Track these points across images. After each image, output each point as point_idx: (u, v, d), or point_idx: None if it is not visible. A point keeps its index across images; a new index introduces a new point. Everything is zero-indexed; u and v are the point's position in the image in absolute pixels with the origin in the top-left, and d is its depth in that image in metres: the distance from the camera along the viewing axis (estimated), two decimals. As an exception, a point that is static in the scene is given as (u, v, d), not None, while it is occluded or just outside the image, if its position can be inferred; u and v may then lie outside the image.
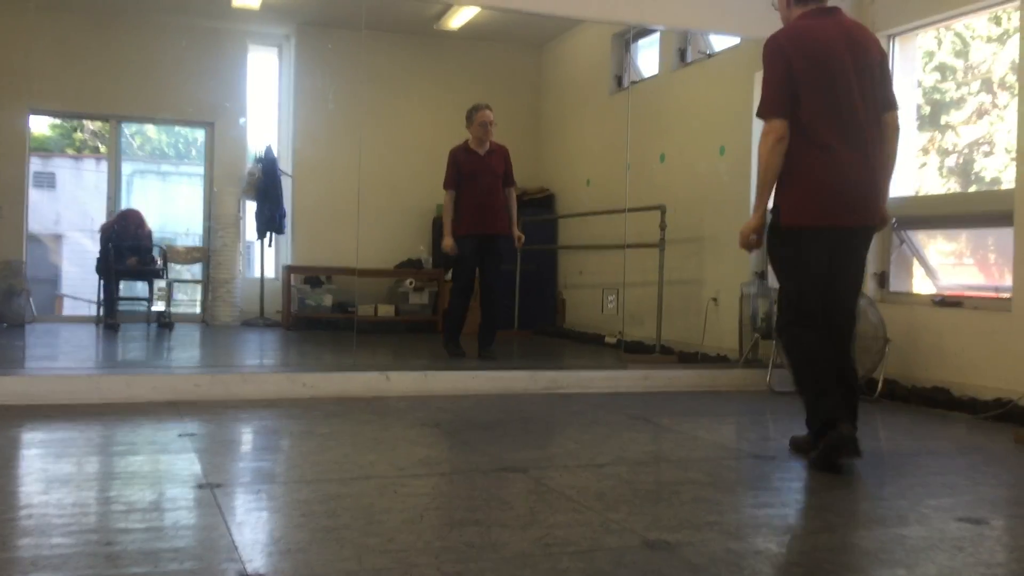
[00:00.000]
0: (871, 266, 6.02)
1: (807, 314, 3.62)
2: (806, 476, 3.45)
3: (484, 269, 6.59)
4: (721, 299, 7.03)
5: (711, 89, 7.38)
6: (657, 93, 8.16)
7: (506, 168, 6.59)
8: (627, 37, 8.59)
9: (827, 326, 3.65)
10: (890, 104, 3.77)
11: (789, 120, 3.53)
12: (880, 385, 5.47)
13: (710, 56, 7.55)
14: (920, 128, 6.27)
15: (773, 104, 3.56)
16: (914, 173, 6.19)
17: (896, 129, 3.78)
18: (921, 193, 6.11)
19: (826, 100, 3.56)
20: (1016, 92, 5.16)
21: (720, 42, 7.43)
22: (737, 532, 2.62)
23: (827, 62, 3.57)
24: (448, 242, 6.49)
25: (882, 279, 6.03)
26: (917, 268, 6.05)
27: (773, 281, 6.69)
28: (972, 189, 6.04)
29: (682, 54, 7.89)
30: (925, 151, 6.38)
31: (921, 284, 6.04)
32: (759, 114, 3.62)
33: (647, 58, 8.67)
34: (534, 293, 9.14)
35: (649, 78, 8.45)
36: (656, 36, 8.24)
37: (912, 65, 6.10)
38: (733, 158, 6.95)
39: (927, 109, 6.41)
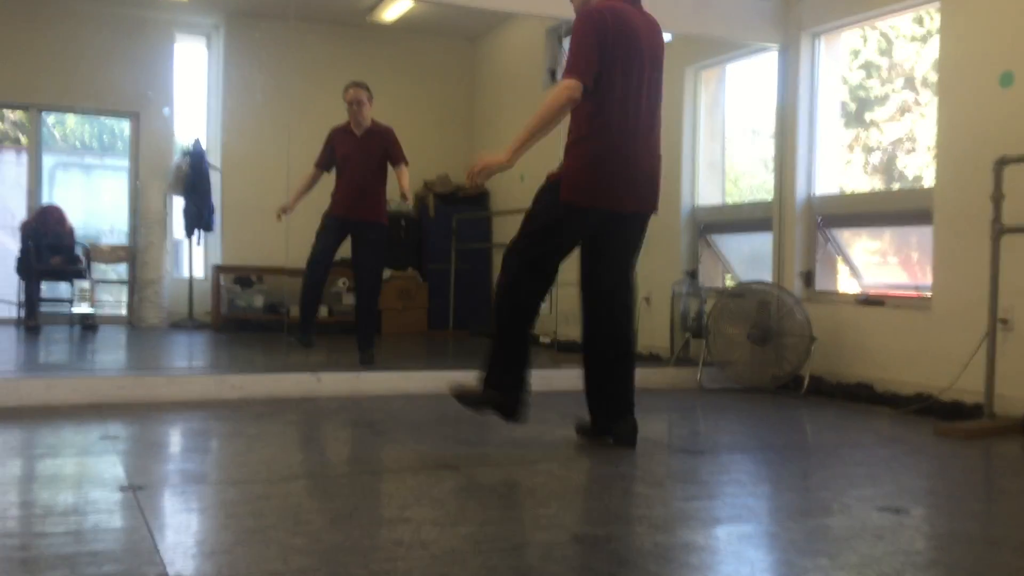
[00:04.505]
0: (797, 265, 6.14)
1: (533, 275, 3.80)
2: (734, 470, 3.50)
3: (355, 259, 6.26)
4: (653, 299, 7.08)
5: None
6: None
7: (388, 149, 6.22)
8: (560, 32, 8.60)
9: (600, 307, 3.89)
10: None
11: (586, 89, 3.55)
12: (806, 382, 5.58)
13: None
14: (846, 125, 6.40)
15: (580, 67, 3.55)
16: (839, 170, 6.32)
17: None
18: (846, 191, 6.23)
19: (621, 85, 3.60)
20: (937, 91, 5.30)
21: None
22: (665, 525, 2.64)
23: (630, 48, 3.62)
24: (280, 207, 6.25)
25: (808, 278, 6.14)
26: (842, 267, 6.18)
27: (705, 281, 6.83)
28: (895, 187, 6.17)
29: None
30: (850, 148, 6.51)
31: (846, 283, 6.17)
32: (565, 73, 3.59)
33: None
34: (469, 293, 9.05)
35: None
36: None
37: (838, 63, 6.23)
38: (665, 154, 7.00)
39: (853, 106, 6.54)
